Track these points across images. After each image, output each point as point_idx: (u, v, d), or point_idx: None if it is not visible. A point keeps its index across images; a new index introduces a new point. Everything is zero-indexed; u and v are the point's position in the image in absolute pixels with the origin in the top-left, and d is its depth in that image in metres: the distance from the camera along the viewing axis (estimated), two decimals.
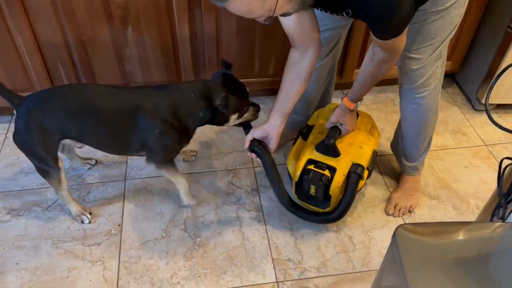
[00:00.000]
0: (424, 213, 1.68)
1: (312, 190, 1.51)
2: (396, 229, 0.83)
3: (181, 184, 1.62)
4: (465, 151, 1.94)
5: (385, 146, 1.92)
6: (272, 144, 1.44)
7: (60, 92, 1.43)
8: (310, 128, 1.65)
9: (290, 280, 1.48)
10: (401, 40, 1.22)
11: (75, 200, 1.64)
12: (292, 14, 1.15)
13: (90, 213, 1.63)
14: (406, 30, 1.18)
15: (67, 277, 1.46)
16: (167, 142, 1.46)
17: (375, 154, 1.61)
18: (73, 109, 1.39)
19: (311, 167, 1.50)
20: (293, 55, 1.37)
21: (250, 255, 1.55)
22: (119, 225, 1.62)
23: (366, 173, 1.53)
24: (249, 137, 1.46)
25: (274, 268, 1.51)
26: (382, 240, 1.59)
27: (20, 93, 1.86)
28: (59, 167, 1.48)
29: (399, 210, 1.68)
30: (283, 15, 1.11)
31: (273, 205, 1.69)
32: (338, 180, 1.47)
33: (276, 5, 1.03)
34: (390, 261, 0.87)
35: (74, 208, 1.62)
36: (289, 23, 1.30)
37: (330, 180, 1.48)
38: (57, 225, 1.61)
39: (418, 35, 1.34)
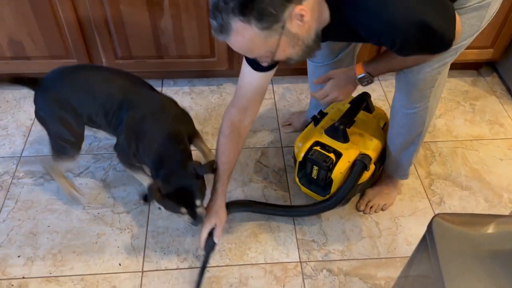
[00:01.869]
0: (455, 203, 1.65)
1: (315, 172, 1.50)
2: (433, 218, 0.81)
3: (140, 179, 1.57)
4: (501, 143, 1.88)
5: None
6: (219, 232, 1.37)
7: (73, 72, 1.48)
8: (323, 115, 1.62)
9: (314, 261, 1.48)
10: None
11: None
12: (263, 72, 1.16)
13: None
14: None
15: (96, 242, 1.50)
16: (124, 149, 1.45)
17: (385, 152, 1.58)
18: (81, 89, 1.43)
19: (317, 148, 1.48)
20: (236, 116, 1.34)
21: (275, 233, 1.55)
22: None
23: (372, 167, 1.51)
24: (205, 235, 1.37)
25: (298, 248, 1.51)
26: (409, 228, 1.57)
27: (57, 60, 1.90)
28: (79, 148, 1.51)
29: (371, 207, 1.62)
30: (286, 61, 1.05)
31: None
32: (342, 165, 1.45)
33: (277, 47, 0.98)
34: (423, 249, 0.85)
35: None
36: (256, 80, 1.25)
37: (334, 164, 1.45)
38: (87, 192, 1.65)
39: None
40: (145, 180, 1.53)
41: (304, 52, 1.03)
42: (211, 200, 1.40)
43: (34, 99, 1.46)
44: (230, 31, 0.94)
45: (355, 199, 1.65)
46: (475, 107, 2.04)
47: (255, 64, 1.23)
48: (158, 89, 2.07)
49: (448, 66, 1.28)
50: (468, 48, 1.29)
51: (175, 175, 1.32)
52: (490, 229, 0.85)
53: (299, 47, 1.01)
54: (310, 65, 1.67)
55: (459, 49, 1.23)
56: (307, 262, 1.48)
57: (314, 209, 1.55)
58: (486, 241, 0.84)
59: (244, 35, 0.94)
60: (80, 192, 1.62)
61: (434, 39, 1.04)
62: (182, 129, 1.44)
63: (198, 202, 1.32)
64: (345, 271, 1.45)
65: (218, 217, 1.37)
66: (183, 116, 1.52)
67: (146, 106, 1.43)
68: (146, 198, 1.28)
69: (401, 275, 1.03)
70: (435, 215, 0.81)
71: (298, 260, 1.48)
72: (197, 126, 1.90)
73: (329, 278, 1.44)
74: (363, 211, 1.62)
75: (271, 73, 1.27)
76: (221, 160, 1.38)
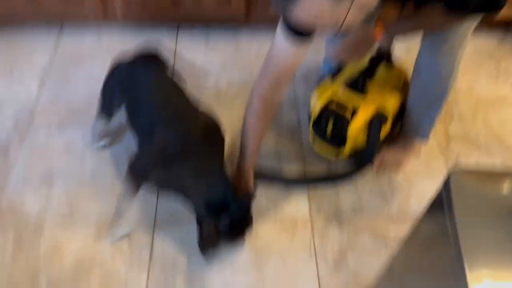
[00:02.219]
0: (471, 164, 1.62)
1: (329, 129, 1.47)
2: (450, 173, 0.79)
3: (120, 208, 1.43)
4: None
5: None
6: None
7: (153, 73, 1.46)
8: (340, 70, 1.58)
9: (324, 215, 1.48)
10: None
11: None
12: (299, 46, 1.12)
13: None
14: None
15: (111, 188, 1.52)
16: (142, 162, 1.35)
17: (403, 109, 1.53)
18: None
19: (333, 104, 1.45)
20: (268, 92, 1.28)
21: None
22: None
23: (389, 125, 1.48)
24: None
25: (309, 202, 1.51)
26: (422, 187, 1.56)
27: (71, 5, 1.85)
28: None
29: (385, 168, 1.60)
30: (344, 31, 0.98)
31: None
32: (358, 122, 1.42)
33: (345, 17, 0.91)
34: (437, 206, 0.84)
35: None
36: (293, 55, 1.20)
37: (349, 121, 1.43)
38: None
39: None
40: (128, 213, 1.43)
41: (363, 21, 0.98)
42: (239, 177, 1.37)
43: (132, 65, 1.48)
44: None
45: None
46: (500, 68, 1.96)
47: (295, 35, 1.16)
48: (173, 39, 2.04)
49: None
50: None
51: (228, 209, 1.27)
52: (510, 186, 0.83)
53: (362, 16, 0.96)
54: None
55: None
56: (317, 215, 1.48)
57: (348, 174, 1.56)
58: (505, 198, 0.81)
59: (316, 2, 0.90)
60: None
61: None
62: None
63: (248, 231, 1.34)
64: (355, 226, 1.46)
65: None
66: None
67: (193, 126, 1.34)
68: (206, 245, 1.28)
69: (411, 232, 1.03)
70: (453, 169, 0.79)
71: (308, 214, 1.49)
72: (211, 79, 1.89)
73: (338, 231, 1.45)
74: (376, 170, 1.61)
75: (307, 48, 1.20)
76: (250, 140, 1.35)
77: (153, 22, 2.03)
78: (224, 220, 1.26)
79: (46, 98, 1.79)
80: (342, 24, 0.95)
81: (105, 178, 1.55)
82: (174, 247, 1.40)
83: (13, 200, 1.48)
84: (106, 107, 1.54)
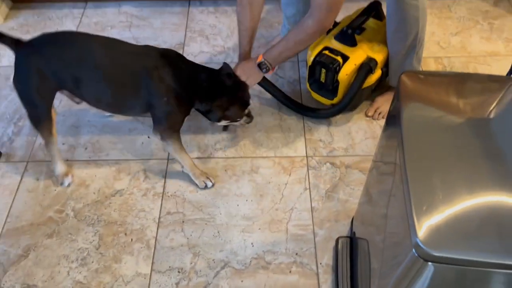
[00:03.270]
0: None
1: (323, 75, 1.61)
2: (400, 76, 0.91)
3: (186, 164, 1.54)
4: None
5: (431, 49, 1.94)
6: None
7: (63, 39, 1.41)
8: (335, 25, 1.71)
9: (319, 156, 1.64)
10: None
11: (62, 160, 1.60)
12: None
13: (72, 176, 1.59)
14: None
15: (129, 134, 1.72)
16: (172, 110, 1.45)
17: None
18: (72, 59, 1.36)
19: (326, 52, 1.59)
20: None
21: (285, 133, 1.71)
22: None
23: (379, 72, 1.60)
24: None
25: (306, 146, 1.67)
26: None
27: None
28: (51, 117, 1.46)
29: (380, 113, 1.72)
30: None
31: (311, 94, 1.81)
32: (349, 68, 1.55)
33: None
34: (392, 119, 0.94)
35: (59, 168, 1.57)
36: None
37: (340, 66, 1.56)
38: None
39: None
40: (186, 160, 1.54)
41: None
42: (238, 64, 1.59)
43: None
44: None
45: (363, 107, 1.77)
46: (493, 26, 2.05)
47: None
48: (185, 9, 2.22)
49: None
50: None
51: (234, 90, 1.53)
52: (465, 90, 0.87)
53: None
54: None
55: None
56: (313, 157, 1.64)
57: (329, 112, 1.69)
58: (457, 104, 0.85)
59: None
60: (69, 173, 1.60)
61: None
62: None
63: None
64: (347, 165, 1.60)
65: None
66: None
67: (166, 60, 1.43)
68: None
69: (375, 154, 1.13)
70: (402, 73, 0.91)
71: (305, 155, 1.64)
72: (220, 42, 2.06)
73: (331, 169, 1.59)
74: (372, 116, 1.74)
75: None
76: (240, 27, 1.56)
77: None
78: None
79: None
80: None
81: (125, 126, 1.75)
82: (184, 181, 1.58)
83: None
84: (45, 105, 1.44)
